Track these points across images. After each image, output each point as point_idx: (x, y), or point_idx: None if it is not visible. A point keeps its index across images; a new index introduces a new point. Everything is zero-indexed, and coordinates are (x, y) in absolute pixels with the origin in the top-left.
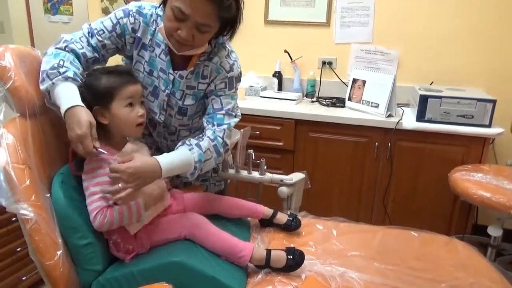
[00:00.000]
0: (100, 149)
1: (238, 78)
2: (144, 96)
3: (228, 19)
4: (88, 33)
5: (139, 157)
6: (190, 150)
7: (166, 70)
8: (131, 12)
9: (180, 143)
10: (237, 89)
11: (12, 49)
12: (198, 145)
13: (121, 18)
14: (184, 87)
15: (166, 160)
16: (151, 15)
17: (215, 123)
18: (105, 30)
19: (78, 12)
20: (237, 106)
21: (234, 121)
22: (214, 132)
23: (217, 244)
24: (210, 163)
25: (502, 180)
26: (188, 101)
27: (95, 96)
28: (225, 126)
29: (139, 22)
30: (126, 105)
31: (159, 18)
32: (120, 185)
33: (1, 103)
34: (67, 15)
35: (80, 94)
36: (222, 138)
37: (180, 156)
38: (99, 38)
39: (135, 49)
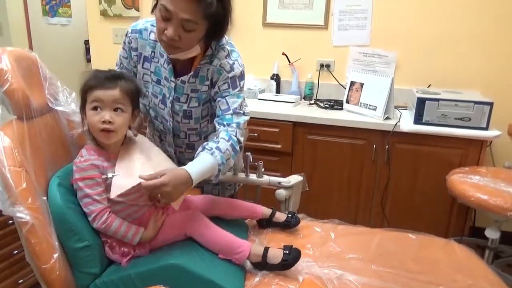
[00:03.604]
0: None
1: (241, 76)
2: (117, 102)
3: (215, 18)
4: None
5: (170, 170)
6: (212, 154)
7: (169, 77)
8: (128, 33)
9: (200, 149)
10: (242, 87)
11: (9, 51)
12: (218, 148)
13: (124, 43)
14: (189, 90)
15: (194, 169)
16: (145, 29)
17: (225, 123)
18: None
19: (76, 14)
20: (245, 104)
21: (243, 119)
22: (227, 132)
23: (216, 240)
24: (229, 163)
25: (500, 183)
26: (192, 104)
27: (80, 95)
28: (234, 125)
29: (135, 38)
30: (91, 108)
31: (154, 28)
32: (162, 200)
33: None
34: (66, 17)
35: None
36: (236, 136)
37: (205, 163)
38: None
39: (139, 64)
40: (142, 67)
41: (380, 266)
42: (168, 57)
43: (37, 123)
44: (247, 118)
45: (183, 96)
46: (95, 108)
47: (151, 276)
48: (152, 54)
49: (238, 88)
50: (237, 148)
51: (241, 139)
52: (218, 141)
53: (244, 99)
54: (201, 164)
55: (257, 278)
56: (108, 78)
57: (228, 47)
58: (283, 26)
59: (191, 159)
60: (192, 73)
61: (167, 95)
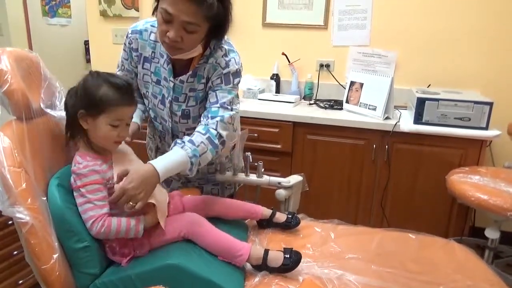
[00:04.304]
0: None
1: (236, 74)
2: (131, 118)
3: (216, 19)
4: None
5: (133, 168)
6: (182, 147)
7: (168, 77)
8: (128, 35)
9: (173, 143)
10: (235, 84)
11: (9, 52)
12: (190, 141)
13: (125, 44)
14: (187, 90)
15: (160, 163)
16: (146, 29)
17: (209, 115)
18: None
19: (76, 14)
20: (237, 102)
21: (228, 113)
22: (205, 125)
23: (215, 242)
24: (206, 156)
25: (499, 183)
26: (190, 103)
27: (87, 100)
28: (218, 118)
29: (135, 39)
30: (109, 124)
31: (154, 29)
32: (130, 203)
33: None
34: (65, 17)
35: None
36: (216, 129)
37: (174, 156)
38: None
39: (139, 64)
40: (142, 68)
41: (380, 266)
42: (168, 57)
43: (37, 124)
44: (232, 113)
45: (182, 95)
46: (114, 124)
47: (151, 277)
48: (152, 55)
49: (231, 84)
50: (216, 141)
51: (223, 133)
52: (193, 134)
53: (236, 97)
54: (169, 157)
55: (257, 278)
56: (127, 93)
57: (226, 46)
58: (282, 26)
59: None
60: (190, 72)
61: (166, 95)
